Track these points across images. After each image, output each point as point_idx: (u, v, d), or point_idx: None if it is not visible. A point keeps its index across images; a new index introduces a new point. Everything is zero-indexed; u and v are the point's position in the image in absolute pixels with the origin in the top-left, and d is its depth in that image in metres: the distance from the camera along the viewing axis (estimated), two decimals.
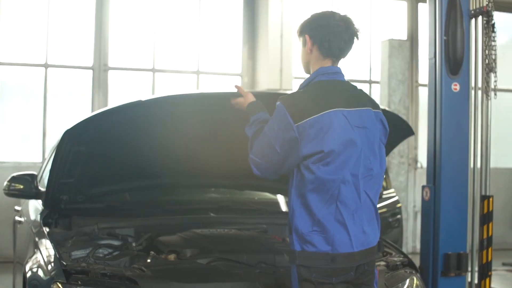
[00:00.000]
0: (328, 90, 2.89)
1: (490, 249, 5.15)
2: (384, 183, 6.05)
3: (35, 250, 3.62)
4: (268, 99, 3.14)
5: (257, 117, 3.03)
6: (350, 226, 2.80)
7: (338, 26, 2.93)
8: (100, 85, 9.54)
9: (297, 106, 2.81)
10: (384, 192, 6.43)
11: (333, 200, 2.78)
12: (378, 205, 3.00)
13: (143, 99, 3.46)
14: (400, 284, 3.50)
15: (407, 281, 3.54)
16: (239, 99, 3.20)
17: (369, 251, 2.88)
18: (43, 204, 4.14)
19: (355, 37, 2.98)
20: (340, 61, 3.02)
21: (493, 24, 5.12)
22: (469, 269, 5.18)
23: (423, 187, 5.15)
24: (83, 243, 3.62)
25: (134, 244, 3.74)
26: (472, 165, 5.22)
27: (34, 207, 4.50)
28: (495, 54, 5.16)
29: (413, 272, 3.64)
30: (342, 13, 2.98)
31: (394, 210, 6.84)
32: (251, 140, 2.95)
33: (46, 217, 3.96)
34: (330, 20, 2.94)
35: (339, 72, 2.99)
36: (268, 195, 5.09)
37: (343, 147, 2.79)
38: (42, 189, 4.35)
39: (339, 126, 2.79)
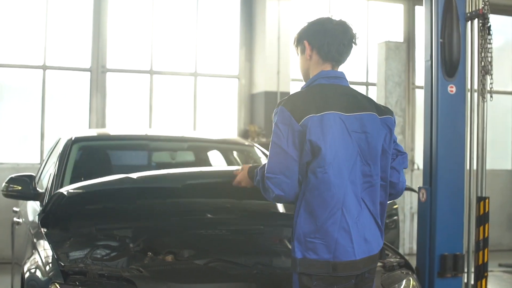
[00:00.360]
0: (327, 93, 2.88)
1: (486, 250, 5.17)
2: None
3: (33, 251, 3.63)
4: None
5: (262, 167, 2.97)
6: (354, 233, 2.79)
7: (336, 29, 2.94)
8: (98, 87, 9.54)
9: (298, 106, 2.80)
10: None
11: (338, 206, 2.77)
12: None
13: (134, 176, 3.49)
14: (396, 285, 3.50)
15: (404, 282, 3.54)
16: (238, 177, 3.18)
17: (371, 259, 2.87)
18: (41, 206, 4.15)
19: (353, 42, 2.97)
20: (340, 66, 3.01)
21: (489, 26, 5.15)
22: (465, 270, 5.21)
23: (419, 188, 5.18)
24: (81, 244, 3.62)
25: (131, 245, 3.74)
26: (468, 167, 5.24)
27: (32, 208, 4.50)
28: (491, 57, 5.19)
29: (410, 273, 3.64)
30: (338, 18, 2.98)
31: (390, 211, 6.84)
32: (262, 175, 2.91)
33: (44, 218, 3.97)
34: (327, 25, 2.95)
35: (341, 77, 2.97)
36: None
37: (340, 152, 2.79)
38: (41, 190, 4.37)
39: (336, 130, 2.79)
